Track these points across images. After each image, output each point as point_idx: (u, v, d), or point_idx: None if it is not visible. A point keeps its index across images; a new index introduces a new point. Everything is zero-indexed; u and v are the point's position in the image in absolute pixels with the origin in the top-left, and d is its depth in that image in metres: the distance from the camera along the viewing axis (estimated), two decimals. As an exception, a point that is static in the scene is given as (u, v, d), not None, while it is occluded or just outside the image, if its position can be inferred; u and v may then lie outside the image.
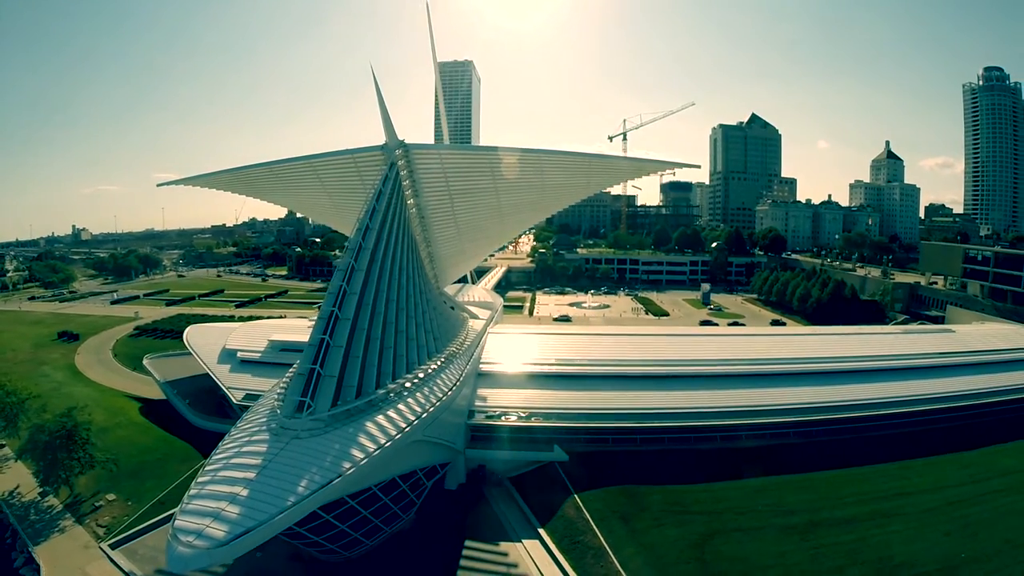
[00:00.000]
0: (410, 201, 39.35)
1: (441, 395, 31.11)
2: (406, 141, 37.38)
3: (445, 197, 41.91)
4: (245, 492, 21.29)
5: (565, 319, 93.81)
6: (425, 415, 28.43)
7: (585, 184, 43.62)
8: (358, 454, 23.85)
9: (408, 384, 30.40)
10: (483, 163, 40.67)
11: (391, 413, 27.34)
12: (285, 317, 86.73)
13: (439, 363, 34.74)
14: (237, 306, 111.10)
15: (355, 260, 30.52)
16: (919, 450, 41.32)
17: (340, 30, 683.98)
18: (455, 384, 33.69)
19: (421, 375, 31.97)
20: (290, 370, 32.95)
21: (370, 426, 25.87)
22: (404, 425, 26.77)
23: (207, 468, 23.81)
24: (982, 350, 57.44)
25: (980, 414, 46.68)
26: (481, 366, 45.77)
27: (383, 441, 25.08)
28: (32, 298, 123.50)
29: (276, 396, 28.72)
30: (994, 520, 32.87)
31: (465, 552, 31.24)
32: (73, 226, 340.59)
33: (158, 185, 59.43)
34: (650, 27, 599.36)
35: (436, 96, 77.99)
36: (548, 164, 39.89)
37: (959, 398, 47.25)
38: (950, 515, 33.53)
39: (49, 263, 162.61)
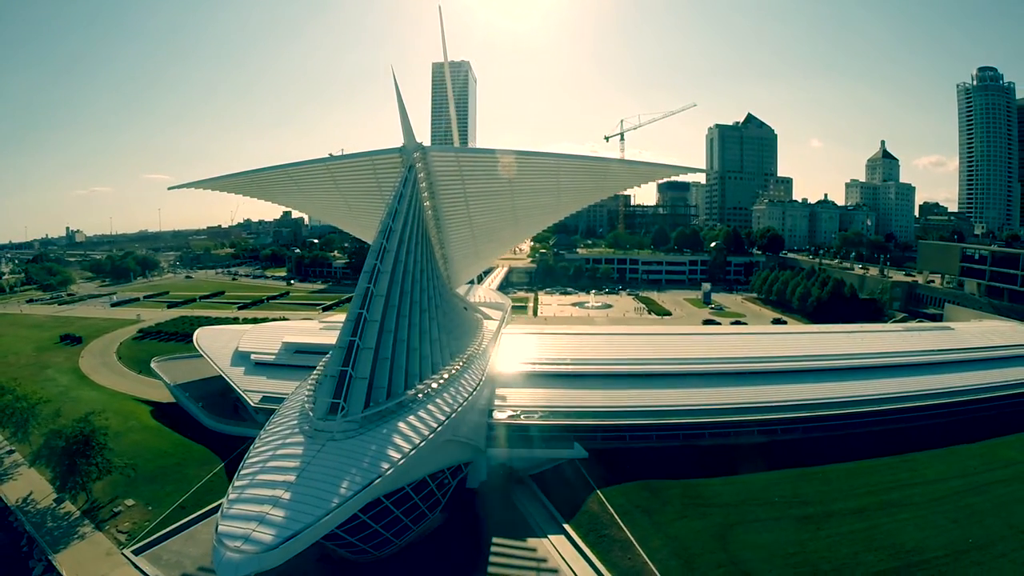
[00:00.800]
0: (426, 203, 39.65)
1: (467, 395, 31.56)
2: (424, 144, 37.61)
3: (461, 199, 42.20)
4: (288, 495, 21.40)
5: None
6: (454, 415, 28.84)
7: (599, 188, 44.17)
8: (395, 454, 24.21)
9: (434, 385, 30.79)
10: (500, 166, 41.00)
11: (422, 414, 27.70)
12: (287, 319, 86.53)
13: (461, 364, 35.16)
14: (240, 308, 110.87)
15: (380, 262, 30.77)
16: (923, 443, 42.57)
17: (334, 30, 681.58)
18: (478, 384, 34.16)
19: (446, 376, 32.37)
20: (314, 372, 33.21)
21: (403, 426, 26.22)
22: (435, 425, 27.17)
23: (243, 472, 23.84)
24: (980, 347, 58.68)
25: (980, 409, 47.89)
26: (498, 366, 46.21)
27: (417, 441, 25.46)
28: (30, 301, 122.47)
29: (305, 398, 28.90)
30: (998, 508, 34.15)
31: (493, 548, 31.78)
32: (67, 228, 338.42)
33: (169, 188, 59.28)
34: (646, 27, 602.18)
35: (448, 99, 78.25)
36: (564, 168, 40.29)
37: (959, 393, 48.44)
38: (956, 504, 34.77)
39: (45, 265, 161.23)
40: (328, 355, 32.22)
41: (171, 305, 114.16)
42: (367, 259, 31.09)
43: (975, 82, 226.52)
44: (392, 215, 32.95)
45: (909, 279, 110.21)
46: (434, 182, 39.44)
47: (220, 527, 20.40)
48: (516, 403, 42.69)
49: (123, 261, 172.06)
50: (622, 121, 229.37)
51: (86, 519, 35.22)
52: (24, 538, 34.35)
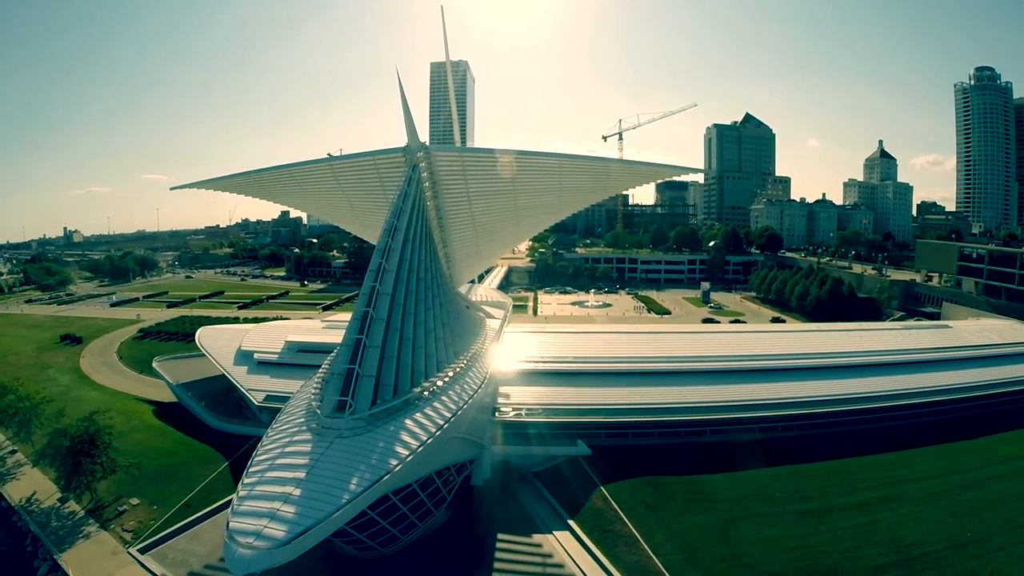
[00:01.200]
0: (429, 203, 39.83)
1: (472, 392, 31.73)
2: (428, 144, 37.79)
3: (464, 199, 42.37)
4: (298, 492, 21.53)
5: None
6: (460, 412, 29.01)
7: (601, 188, 44.42)
8: (403, 451, 24.38)
9: (440, 383, 30.95)
10: (502, 166, 41.22)
11: (428, 411, 27.84)
12: (287, 319, 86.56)
13: (465, 361, 35.35)
14: (240, 307, 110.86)
15: (385, 260, 30.93)
16: (921, 440, 43.08)
17: (332, 29, 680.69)
18: (483, 381, 34.35)
19: (451, 373, 32.56)
20: (320, 370, 33.38)
21: (410, 423, 26.37)
22: (442, 422, 27.32)
23: (252, 469, 23.90)
24: (978, 345, 59.28)
25: (978, 406, 48.43)
26: (501, 364, 46.45)
27: (424, 438, 25.62)
28: (29, 301, 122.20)
29: (311, 396, 29.03)
30: (996, 503, 34.58)
31: (498, 545, 32.07)
32: (65, 228, 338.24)
33: (171, 189, 58.89)
34: (645, 27, 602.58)
35: (449, 98, 78.31)
36: (566, 168, 40.53)
37: (957, 391, 48.99)
38: (955, 499, 35.21)
39: (44, 265, 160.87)
40: (333, 353, 32.41)
41: (171, 305, 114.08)
42: (372, 258, 31.25)
43: (972, 82, 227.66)
44: (397, 214, 33.09)
45: (907, 278, 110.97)
46: (437, 182, 39.60)
47: (231, 523, 20.44)
48: (519, 401, 43.00)
49: (122, 261, 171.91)
50: (620, 121, 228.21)
51: (91, 518, 35.25)
52: (28, 538, 34.36)
